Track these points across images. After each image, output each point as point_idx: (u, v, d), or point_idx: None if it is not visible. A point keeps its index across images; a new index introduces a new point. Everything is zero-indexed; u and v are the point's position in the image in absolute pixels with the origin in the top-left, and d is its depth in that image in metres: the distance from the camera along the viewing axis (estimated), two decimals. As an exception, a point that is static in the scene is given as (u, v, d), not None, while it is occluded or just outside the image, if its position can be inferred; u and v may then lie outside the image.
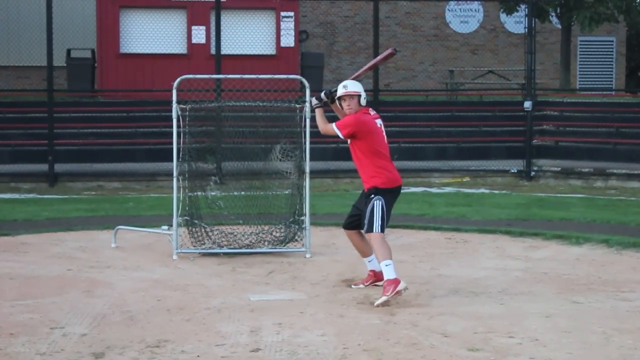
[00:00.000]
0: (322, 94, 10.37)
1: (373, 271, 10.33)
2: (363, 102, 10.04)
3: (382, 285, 9.71)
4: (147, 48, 27.23)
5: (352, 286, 10.35)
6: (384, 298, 9.42)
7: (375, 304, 9.45)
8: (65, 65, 26.64)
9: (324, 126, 10.22)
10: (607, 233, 13.79)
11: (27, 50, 27.94)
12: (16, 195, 19.62)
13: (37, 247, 12.92)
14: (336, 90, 10.24)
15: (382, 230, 9.77)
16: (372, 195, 9.82)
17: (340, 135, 9.99)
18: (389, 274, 9.55)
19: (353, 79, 10.27)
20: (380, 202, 9.77)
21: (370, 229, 9.75)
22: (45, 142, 21.47)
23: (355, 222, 10.22)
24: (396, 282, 9.47)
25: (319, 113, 10.34)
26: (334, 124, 10.03)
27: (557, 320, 8.82)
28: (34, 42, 26.55)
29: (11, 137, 23.04)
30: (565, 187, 21.23)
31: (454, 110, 26.02)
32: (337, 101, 10.18)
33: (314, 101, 10.50)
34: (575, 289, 10.25)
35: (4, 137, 23.06)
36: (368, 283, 10.33)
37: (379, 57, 10.76)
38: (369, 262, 10.38)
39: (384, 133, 10.09)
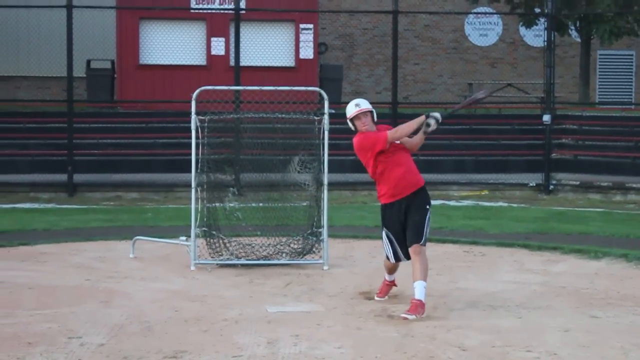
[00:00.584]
0: (437, 118, 10.02)
1: (393, 281, 10.34)
2: (375, 118, 9.96)
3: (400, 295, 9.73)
4: (166, 59, 27.34)
5: (376, 298, 10.32)
6: (413, 317, 9.36)
7: (403, 315, 9.38)
8: (85, 76, 26.77)
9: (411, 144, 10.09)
10: (625, 247, 13.73)
11: (48, 61, 28.06)
12: (35, 205, 19.70)
13: (56, 257, 12.95)
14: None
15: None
16: (428, 206, 9.89)
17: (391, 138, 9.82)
18: (423, 295, 9.53)
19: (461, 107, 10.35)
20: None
21: (420, 240, 9.76)
22: (64, 152, 21.57)
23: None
24: (424, 307, 9.47)
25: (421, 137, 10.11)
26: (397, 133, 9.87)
27: (575, 335, 8.78)
28: (54, 53, 26.69)
29: (31, 147, 23.14)
30: (584, 201, 21.15)
31: (472, 123, 25.97)
32: (349, 123, 9.94)
33: (437, 115, 10.08)
34: (593, 304, 10.20)
35: (23, 147, 23.17)
36: (387, 294, 10.33)
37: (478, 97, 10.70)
38: (389, 275, 10.37)
39: None
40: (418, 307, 9.40)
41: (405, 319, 9.30)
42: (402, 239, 9.91)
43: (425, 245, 9.78)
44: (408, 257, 9.97)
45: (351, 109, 9.88)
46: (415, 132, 10.00)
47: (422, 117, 9.96)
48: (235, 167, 17.69)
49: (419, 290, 9.49)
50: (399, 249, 9.97)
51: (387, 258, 10.05)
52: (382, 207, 9.96)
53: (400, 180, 9.78)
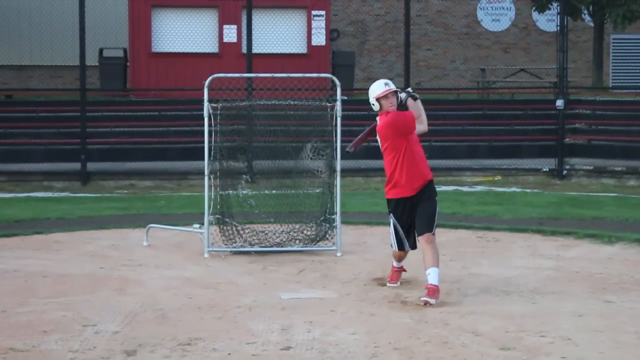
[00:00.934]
0: (405, 95, 10.09)
1: (402, 267, 10.36)
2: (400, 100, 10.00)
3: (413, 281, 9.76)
4: (178, 47, 27.31)
5: (388, 284, 10.33)
6: (434, 300, 9.40)
7: (424, 299, 9.41)
8: (97, 64, 26.77)
9: (419, 112, 10.04)
10: (640, 232, 13.72)
11: (60, 49, 28.13)
12: (49, 194, 19.75)
13: (70, 246, 13.00)
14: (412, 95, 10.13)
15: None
16: (436, 197, 10.00)
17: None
18: (437, 280, 9.56)
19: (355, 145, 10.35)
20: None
21: (430, 230, 9.79)
22: (78, 141, 21.60)
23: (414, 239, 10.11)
24: (439, 292, 9.54)
25: (412, 104, 10.06)
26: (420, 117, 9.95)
27: (589, 320, 8.79)
28: (66, 41, 26.74)
29: (44, 136, 23.18)
30: (598, 185, 21.10)
31: (485, 108, 25.90)
32: (376, 101, 9.90)
33: (403, 96, 10.07)
34: (607, 288, 10.20)
35: (37, 136, 23.21)
36: (399, 280, 10.34)
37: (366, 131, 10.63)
38: (397, 262, 10.39)
39: None
40: (435, 292, 9.43)
41: (427, 302, 9.32)
42: (409, 229, 9.94)
43: (434, 234, 9.78)
44: (413, 247, 10.03)
45: (380, 88, 9.86)
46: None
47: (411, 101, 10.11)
48: (248, 154, 17.67)
49: (433, 276, 9.51)
50: (404, 239, 10.01)
51: (392, 246, 10.06)
52: (392, 200, 9.94)
53: (416, 173, 9.83)
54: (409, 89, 10.38)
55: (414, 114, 9.92)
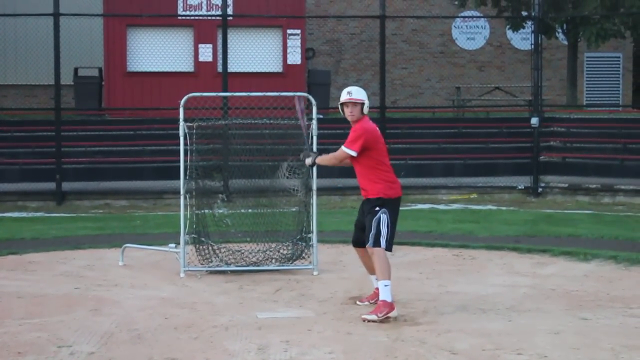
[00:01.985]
0: (308, 157, 10.48)
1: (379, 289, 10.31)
2: (366, 110, 9.99)
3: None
4: (154, 66, 27.32)
5: (358, 302, 10.32)
6: (373, 317, 9.42)
7: (363, 317, 9.46)
8: (72, 83, 26.73)
9: (335, 160, 10.14)
10: (615, 249, 13.76)
11: (35, 69, 28.06)
12: (24, 214, 19.65)
13: (45, 266, 12.92)
14: (314, 153, 10.30)
15: (389, 248, 9.76)
16: (377, 208, 9.77)
17: (353, 153, 9.87)
18: (386, 295, 9.55)
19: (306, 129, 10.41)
20: (386, 217, 9.73)
21: (377, 244, 9.70)
22: (52, 160, 21.52)
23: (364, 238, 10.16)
24: (391, 307, 9.53)
25: (322, 160, 10.34)
26: (342, 147, 9.95)
27: (565, 337, 8.80)
28: (41, 61, 26.67)
29: (19, 156, 23.10)
30: (573, 203, 21.19)
31: (460, 126, 26.03)
32: (339, 107, 10.07)
33: (309, 161, 10.47)
34: (583, 306, 10.22)
35: (11, 155, 23.13)
36: (374, 300, 10.28)
37: (298, 111, 10.73)
38: (376, 279, 10.34)
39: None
40: (380, 307, 9.54)
41: (366, 320, 9.42)
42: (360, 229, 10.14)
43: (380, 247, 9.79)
44: (357, 245, 10.26)
45: (343, 96, 9.96)
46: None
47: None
48: (224, 173, 17.67)
49: (380, 291, 9.66)
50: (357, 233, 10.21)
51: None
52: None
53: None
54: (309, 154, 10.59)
55: (328, 162, 10.27)
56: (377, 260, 9.70)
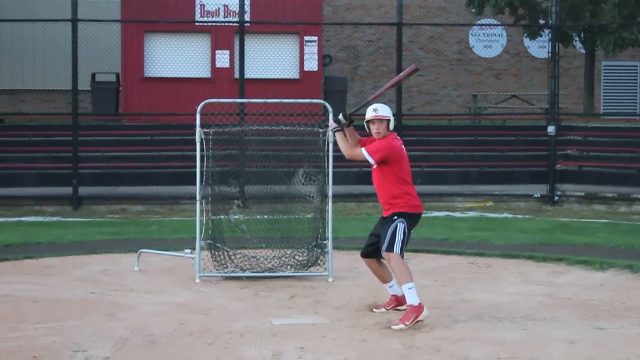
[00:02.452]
0: (341, 116, 10.21)
1: (395, 296, 10.30)
2: (391, 126, 10.02)
3: (404, 308, 9.71)
4: (171, 72, 27.38)
5: (374, 310, 10.33)
6: (401, 326, 9.40)
7: (393, 327, 9.44)
8: (90, 89, 26.82)
9: (350, 151, 10.12)
10: (631, 258, 13.72)
11: (53, 74, 28.16)
12: (40, 218, 19.72)
13: (61, 270, 12.96)
14: (354, 113, 10.23)
15: (402, 254, 9.76)
16: (395, 217, 9.79)
17: (372, 160, 9.89)
18: (412, 298, 9.53)
19: (377, 95, 10.29)
20: (403, 225, 9.75)
21: (390, 249, 9.71)
22: (69, 165, 21.59)
23: (374, 250, 10.16)
24: (419, 309, 9.47)
25: (340, 137, 10.22)
26: (363, 149, 9.95)
27: (580, 347, 8.77)
28: (59, 66, 26.77)
29: (36, 160, 23.18)
30: (589, 212, 21.13)
31: (477, 134, 26.00)
32: (365, 124, 10.10)
33: (333, 124, 10.40)
34: (599, 315, 10.19)
35: (29, 160, 23.21)
36: (390, 307, 10.30)
37: (402, 74, 10.69)
38: (390, 287, 10.36)
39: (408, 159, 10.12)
40: (408, 314, 9.52)
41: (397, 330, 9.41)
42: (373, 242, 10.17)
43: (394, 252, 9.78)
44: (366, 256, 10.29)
45: (368, 113, 9.97)
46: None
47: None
48: (240, 179, 17.68)
49: (406, 296, 9.64)
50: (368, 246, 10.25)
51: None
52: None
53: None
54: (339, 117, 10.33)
55: (343, 145, 10.22)
56: (393, 265, 9.71)
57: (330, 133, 11.95)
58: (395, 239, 9.72)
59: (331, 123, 10.40)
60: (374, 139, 10.04)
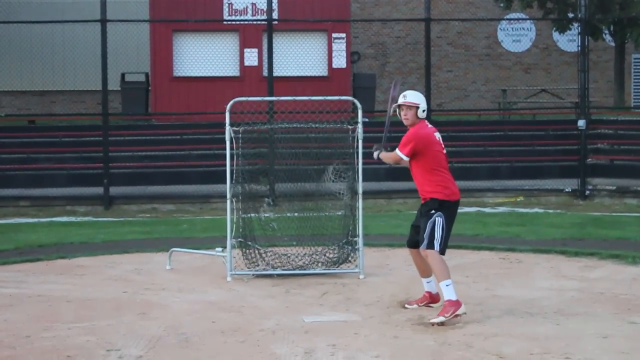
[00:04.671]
0: (375, 155, 10.39)
1: (429, 293, 10.28)
2: (422, 114, 9.96)
3: (437, 306, 9.71)
4: (200, 71, 27.45)
5: (406, 306, 10.31)
6: (441, 318, 9.39)
7: (431, 321, 9.44)
8: (119, 89, 26.95)
9: (391, 160, 10.15)
10: (663, 252, 13.64)
11: (83, 74, 28.34)
12: (72, 219, 19.84)
13: (93, 270, 13.03)
14: (385, 140, 10.29)
15: (443, 251, 9.74)
16: (433, 211, 9.75)
17: (404, 157, 9.90)
18: (450, 294, 9.51)
19: (389, 121, 10.36)
20: (442, 220, 9.72)
21: (430, 246, 9.69)
22: (100, 165, 21.72)
23: (418, 240, 10.12)
24: (457, 304, 9.46)
25: (384, 157, 10.29)
26: (396, 150, 9.97)
27: (614, 341, 8.73)
28: (89, 66, 26.93)
29: (67, 161, 23.31)
30: (621, 206, 21.01)
31: (506, 129, 25.88)
32: (397, 110, 10.10)
33: (375, 155, 10.39)
34: (632, 309, 10.13)
35: (60, 160, 23.34)
36: (422, 304, 10.28)
37: (391, 93, 10.67)
38: (427, 282, 10.31)
39: (443, 145, 10.06)
40: (446, 307, 9.52)
41: (435, 324, 9.40)
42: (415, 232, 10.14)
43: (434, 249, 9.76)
44: (412, 246, 10.24)
45: (399, 99, 10.01)
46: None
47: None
48: (270, 177, 17.72)
49: (443, 292, 9.63)
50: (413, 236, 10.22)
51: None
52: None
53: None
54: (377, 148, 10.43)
55: (387, 160, 10.27)
56: (432, 262, 9.69)
57: (360, 129, 12.00)
58: (434, 235, 9.70)
59: (374, 154, 10.40)
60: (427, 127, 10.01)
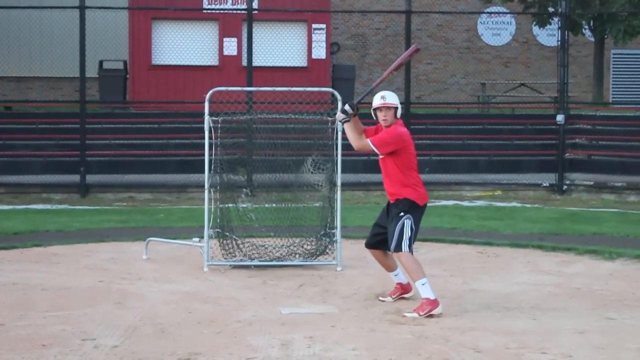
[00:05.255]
0: (347, 107, 10.02)
1: (400, 284, 10.32)
2: (399, 114, 9.97)
3: (409, 296, 9.75)
4: (178, 60, 27.38)
5: (380, 298, 10.32)
6: (415, 315, 9.40)
7: (405, 314, 9.44)
8: (97, 76, 26.81)
9: (358, 143, 10.00)
10: (640, 248, 13.68)
11: (60, 61, 28.15)
12: (48, 206, 19.71)
13: (69, 259, 12.96)
14: (360, 102, 10.17)
15: (411, 250, 9.72)
16: (402, 213, 9.72)
17: (380, 155, 9.88)
18: (427, 293, 9.51)
19: (381, 80, 10.23)
20: (410, 222, 9.70)
21: (398, 249, 9.68)
22: (77, 153, 21.58)
23: (379, 241, 10.13)
24: (434, 304, 9.49)
25: (348, 128, 10.06)
26: (369, 141, 9.89)
27: (590, 337, 8.74)
28: (66, 53, 26.74)
29: (43, 148, 23.17)
30: (598, 201, 21.08)
31: (485, 123, 25.91)
32: (372, 112, 10.04)
33: (341, 116, 10.12)
34: (608, 305, 10.15)
35: (36, 147, 23.20)
36: (395, 296, 10.29)
37: (403, 56, 10.55)
38: (395, 275, 10.37)
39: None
40: (423, 306, 9.52)
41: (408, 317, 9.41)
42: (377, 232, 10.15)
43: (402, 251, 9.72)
44: (371, 247, 10.32)
45: (376, 100, 9.91)
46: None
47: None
48: (248, 167, 17.67)
49: (420, 291, 9.58)
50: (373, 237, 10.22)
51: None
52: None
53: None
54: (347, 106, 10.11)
55: (351, 136, 10.07)
56: (405, 264, 9.67)
57: (338, 124, 11.89)
58: (402, 237, 9.68)
59: (339, 115, 10.18)
60: (379, 127, 9.99)
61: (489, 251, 13.70)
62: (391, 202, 9.91)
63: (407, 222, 9.69)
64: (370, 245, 10.32)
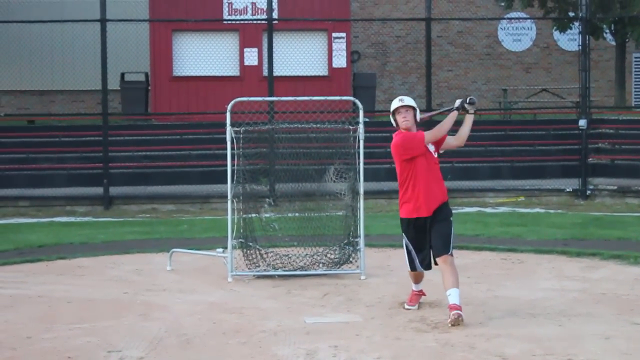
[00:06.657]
0: (466, 104, 10.21)
1: (421, 290, 10.34)
2: (418, 118, 9.97)
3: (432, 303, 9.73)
4: (199, 71, 27.44)
5: (405, 306, 10.28)
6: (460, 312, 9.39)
7: (451, 317, 9.39)
8: (119, 88, 26.93)
9: (449, 123, 10.06)
10: (665, 252, 13.60)
11: (82, 74, 28.30)
12: (72, 219, 19.80)
13: (94, 270, 13.00)
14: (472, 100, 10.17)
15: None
16: (451, 217, 9.82)
17: (427, 139, 9.87)
18: (458, 299, 9.50)
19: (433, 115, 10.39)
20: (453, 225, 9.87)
21: (448, 251, 9.67)
22: (100, 165, 21.69)
23: (429, 262, 10.02)
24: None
25: (451, 117, 10.17)
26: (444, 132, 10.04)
27: (616, 342, 8.69)
28: (88, 66, 26.90)
29: (67, 161, 23.28)
30: (622, 205, 20.97)
31: (507, 129, 25.86)
32: (391, 117, 10.03)
33: (458, 103, 10.26)
34: (634, 310, 10.09)
35: (59, 160, 23.32)
36: (418, 303, 10.28)
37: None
38: (415, 284, 10.36)
39: None
40: (458, 309, 9.42)
41: (456, 319, 9.31)
42: (421, 249, 9.88)
43: (452, 255, 9.70)
44: (426, 268, 9.99)
45: (394, 104, 9.92)
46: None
47: (455, 112, 10.15)
48: (271, 177, 17.69)
49: (454, 296, 9.45)
50: (415, 259, 9.96)
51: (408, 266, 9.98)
52: (404, 220, 9.91)
53: (426, 194, 9.76)
54: (467, 100, 10.24)
55: (445, 127, 9.95)
56: (452, 268, 9.62)
57: (361, 129, 11.94)
58: (450, 239, 9.74)
59: (457, 104, 10.25)
60: (399, 133, 9.92)
61: (513, 257, 13.65)
62: (436, 206, 9.79)
63: (453, 225, 9.85)
64: (427, 267, 10.07)
